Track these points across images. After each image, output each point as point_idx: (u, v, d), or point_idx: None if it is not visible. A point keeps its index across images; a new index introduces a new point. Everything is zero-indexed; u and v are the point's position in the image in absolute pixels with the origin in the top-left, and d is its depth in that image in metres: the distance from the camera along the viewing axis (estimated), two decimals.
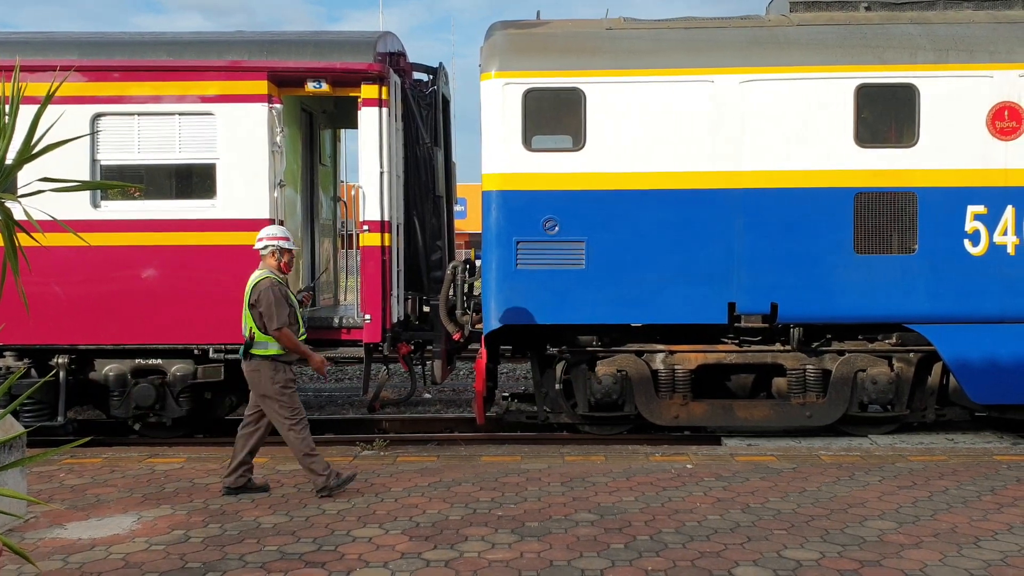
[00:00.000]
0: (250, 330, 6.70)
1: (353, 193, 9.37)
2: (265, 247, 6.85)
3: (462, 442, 9.43)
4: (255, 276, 6.78)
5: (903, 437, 9.15)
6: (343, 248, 12.10)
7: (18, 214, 4.28)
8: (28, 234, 4.32)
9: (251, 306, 6.68)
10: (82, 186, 4.50)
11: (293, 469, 7.61)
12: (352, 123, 11.56)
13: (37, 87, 8.94)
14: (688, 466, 7.65)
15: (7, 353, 9.12)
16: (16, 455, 6.01)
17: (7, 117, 4.05)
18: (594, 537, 5.75)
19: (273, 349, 6.68)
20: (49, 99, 4.10)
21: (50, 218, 4.71)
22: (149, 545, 5.67)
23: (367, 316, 9.15)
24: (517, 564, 5.27)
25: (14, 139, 4.14)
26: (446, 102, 10.47)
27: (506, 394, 10.35)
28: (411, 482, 7.02)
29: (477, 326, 9.37)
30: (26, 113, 4.17)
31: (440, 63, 10.19)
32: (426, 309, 10.09)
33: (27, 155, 4.11)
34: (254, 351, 6.70)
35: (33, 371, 9.13)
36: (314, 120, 11.01)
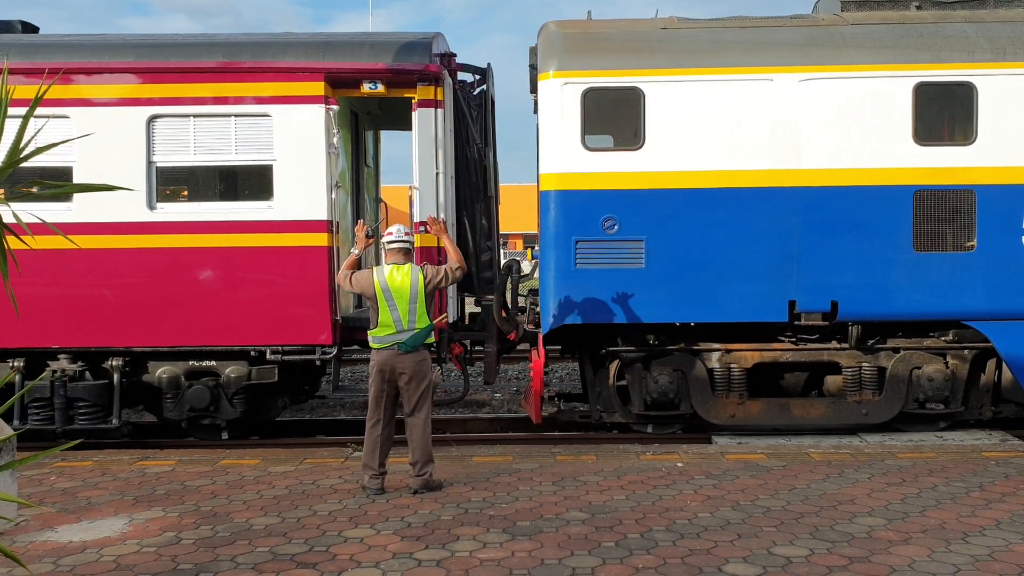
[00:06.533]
0: (417, 324, 6.84)
1: (409, 194, 9.30)
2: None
3: (453, 443, 9.44)
4: (411, 266, 6.91)
5: (893, 435, 9.20)
6: None
7: (22, 217, 4.25)
8: (17, 237, 4.29)
9: (428, 295, 6.90)
10: (68, 188, 4.49)
11: (284, 471, 7.63)
12: (395, 124, 11.54)
13: (94, 89, 9.06)
14: (679, 464, 7.68)
15: (62, 356, 9.09)
16: (6, 458, 5.99)
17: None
18: (585, 536, 5.78)
19: (431, 338, 7.01)
20: (37, 102, 4.08)
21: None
22: (140, 547, 5.67)
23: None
24: (508, 563, 5.29)
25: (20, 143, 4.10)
26: (492, 103, 10.46)
27: (553, 394, 10.39)
28: (402, 483, 7.03)
29: (528, 326, 9.40)
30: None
31: (488, 64, 10.15)
32: (476, 310, 10.06)
33: (15, 159, 4.09)
34: (428, 340, 6.99)
35: (88, 374, 9.14)
36: (359, 121, 10.99)
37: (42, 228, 4.60)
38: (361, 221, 7.22)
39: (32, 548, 5.67)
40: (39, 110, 8.80)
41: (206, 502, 6.70)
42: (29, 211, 4.48)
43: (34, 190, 4.39)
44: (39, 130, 4.12)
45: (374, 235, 8.55)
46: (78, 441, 4.88)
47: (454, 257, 7.13)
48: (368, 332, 6.94)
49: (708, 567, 5.20)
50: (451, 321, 9.41)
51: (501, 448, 8.71)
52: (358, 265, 7.11)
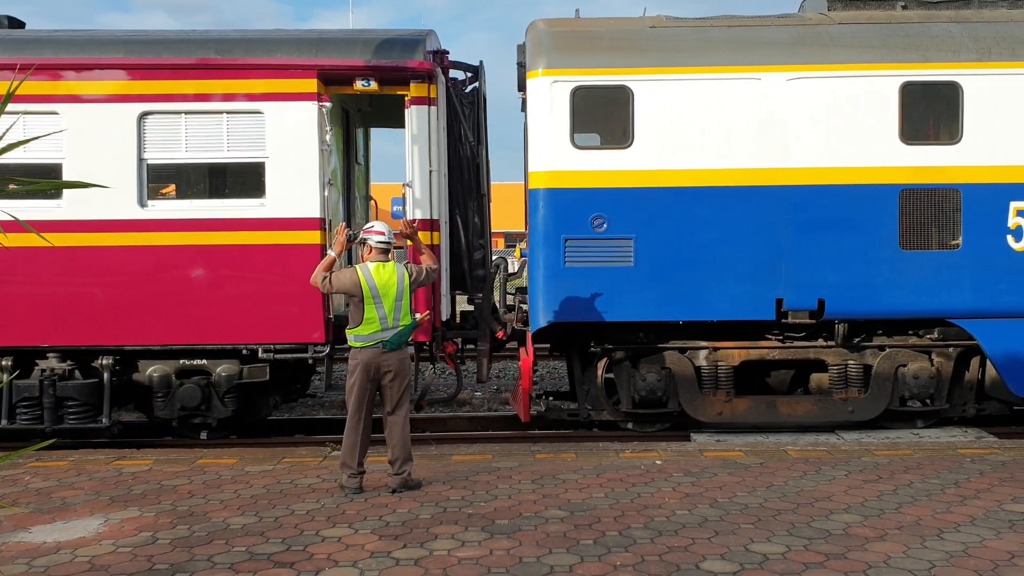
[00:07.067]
0: (401, 322, 6.86)
1: (402, 192, 9.25)
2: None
3: (433, 441, 9.43)
4: (395, 264, 6.92)
5: (869, 432, 9.27)
6: None
7: (9, 215, 4.20)
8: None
9: (412, 292, 6.96)
10: (43, 185, 4.43)
11: (262, 470, 7.59)
12: (386, 122, 11.42)
13: (83, 85, 8.98)
14: (657, 462, 7.70)
15: (51, 355, 8.98)
16: None
17: None
18: (564, 533, 5.78)
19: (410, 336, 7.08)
20: (9, 98, 4.03)
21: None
22: (116, 547, 5.63)
23: (417, 315, 9.15)
24: (487, 561, 5.29)
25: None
26: (484, 100, 10.43)
27: (540, 393, 10.39)
28: (381, 482, 7.01)
29: (517, 324, 9.42)
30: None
31: (480, 61, 10.14)
32: (468, 307, 10.02)
33: None
34: (409, 340, 7.06)
35: (77, 373, 9.02)
36: (350, 118, 10.91)
37: (33, 225, 4.55)
38: (343, 224, 7.20)
39: (5, 549, 5.61)
40: (27, 106, 8.74)
41: (183, 501, 6.66)
42: (17, 209, 4.43)
43: (11, 187, 4.33)
44: (12, 125, 4.06)
45: (354, 239, 8.52)
46: (52, 441, 4.84)
47: (428, 259, 7.16)
48: (348, 331, 6.90)
49: (685, 564, 5.21)
50: (444, 320, 9.39)
51: (481, 447, 8.70)
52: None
